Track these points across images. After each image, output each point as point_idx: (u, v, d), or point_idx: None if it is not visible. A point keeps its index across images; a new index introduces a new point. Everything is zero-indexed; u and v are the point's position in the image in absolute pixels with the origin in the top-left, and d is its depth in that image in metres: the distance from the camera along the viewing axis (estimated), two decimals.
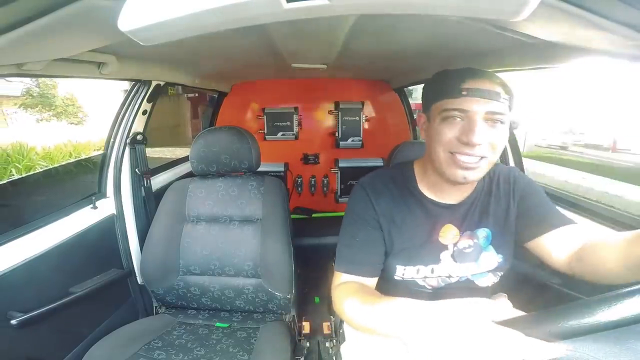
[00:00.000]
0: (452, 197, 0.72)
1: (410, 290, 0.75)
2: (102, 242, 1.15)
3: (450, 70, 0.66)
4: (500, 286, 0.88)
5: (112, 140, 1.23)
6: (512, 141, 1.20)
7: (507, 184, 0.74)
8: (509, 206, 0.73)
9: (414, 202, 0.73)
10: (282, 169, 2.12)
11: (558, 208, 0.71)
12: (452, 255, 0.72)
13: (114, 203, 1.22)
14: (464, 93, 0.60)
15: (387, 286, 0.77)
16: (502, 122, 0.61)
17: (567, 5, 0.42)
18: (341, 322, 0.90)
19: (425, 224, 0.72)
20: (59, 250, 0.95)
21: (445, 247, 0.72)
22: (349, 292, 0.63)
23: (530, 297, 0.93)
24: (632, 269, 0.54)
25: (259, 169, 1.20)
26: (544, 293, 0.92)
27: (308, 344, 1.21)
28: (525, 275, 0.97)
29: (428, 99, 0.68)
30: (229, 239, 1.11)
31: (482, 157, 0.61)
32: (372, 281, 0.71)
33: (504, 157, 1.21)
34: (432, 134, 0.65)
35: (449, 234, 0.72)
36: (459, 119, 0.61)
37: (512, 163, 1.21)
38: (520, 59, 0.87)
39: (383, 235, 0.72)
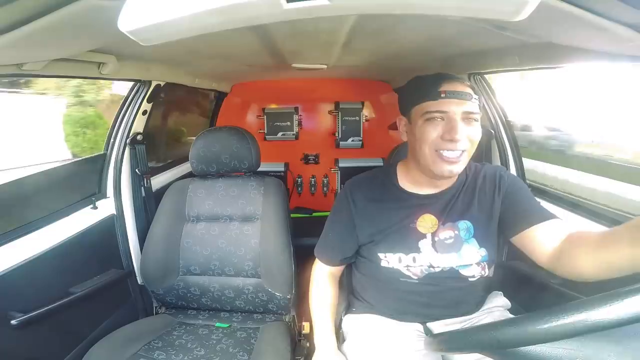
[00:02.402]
0: (433, 189, 0.79)
1: (398, 280, 0.77)
2: (102, 242, 1.15)
3: (424, 75, 0.73)
4: (500, 285, 0.88)
5: (112, 140, 1.23)
6: (513, 142, 1.20)
7: (493, 181, 0.78)
8: (493, 201, 0.77)
9: (390, 194, 0.80)
10: (282, 169, 2.12)
11: (547, 204, 0.76)
12: (433, 245, 0.76)
13: (114, 203, 1.22)
14: (442, 95, 0.67)
15: (377, 278, 0.81)
16: (476, 120, 0.69)
17: (567, 5, 0.42)
18: (341, 322, 0.90)
19: (400, 212, 0.78)
20: (59, 250, 0.95)
21: (423, 236, 0.76)
22: (318, 284, 0.89)
23: (530, 297, 0.93)
24: (600, 269, 0.56)
25: (259, 169, 1.20)
26: (543, 293, 0.92)
27: (308, 344, 1.21)
28: (525, 275, 0.97)
29: (407, 102, 0.75)
30: (229, 239, 1.11)
31: (462, 151, 0.68)
32: (338, 267, 0.90)
33: (504, 159, 1.21)
34: (416, 134, 0.72)
35: (427, 223, 0.77)
36: (439, 119, 0.68)
37: (512, 164, 1.21)
38: (520, 59, 0.87)
39: (355, 229, 0.81)
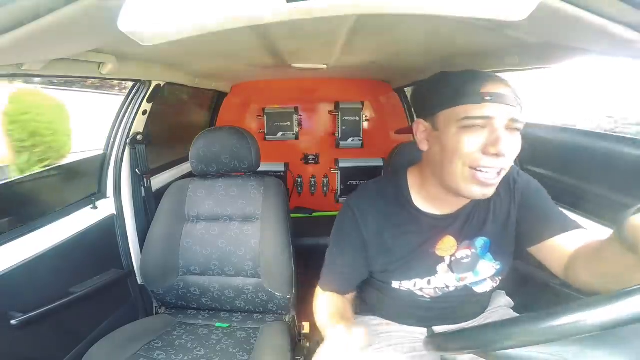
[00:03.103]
0: (447, 208, 0.69)
1: (410, 299, 0.74)
2: (102, 242, 1.15)
3: (460, 72, 0.60)
4: (502, 284, 0.87)
5: (112, 140, 1.23)
6: None
7: (507, 186, 0.69)
8: (509, 210, 0.69)
9: (406, 217, 0.69)
10: (282, 169, 2.12)
11: (563, 210, 0.68)
12: (450, 266, 0.70)
13: (114, 203, 1.22)
14: (487, 98, 0.54)
15: (387, 295, 0.76)
16: (518, 130, 0.57)
17: (567, 5, 0.42)
18: None
19: (418, 239, 0.69)
20: (59, 250, 0.95)
21: (442, 259, 0.70)
22: (323, 306, 0.72)
23: (531, 298, 0.93)
24: (595, 279, 0.53)
25: (259, 169, 1.20)
26: (544, 293, 0.92)
27: (308, 344, 1.21)
28: (526, 276, 0.97)
29: (434, 104, 0.61)
30: (229, 239, 1.11)
31: (501, 170, 0.57)
32: (347, 296, 0.78)
33: None
34: (445, 144, 0.58)
35: (446, 245, 0.69)
36: (480, 127, 0.55)
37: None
38: (520, 59, 0.87)
39: (367, 256, 0.72)
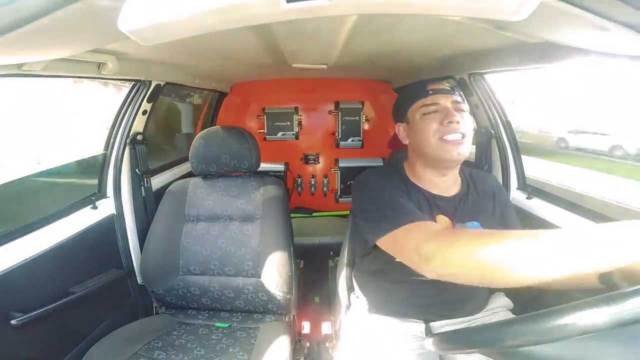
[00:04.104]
0: (444, 191, 0.81)
1: (409, 278, 0.75)
2: (102, 242, 1.15)
3: (413, 82, 0.88)
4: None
5: (112, 140, 1.23)
6: (513, 142, 1.20)
7: (491, 190, 0.84)
8: (494, 209, 0.82)
9: (416, 192, 0.80)
10: (282, 168, 2.12)
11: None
12: None
13: (114, 203, 1.22)
14: (430, 92, 0.77)
15: (386, 275, 0.80)
16: (465, 111, 0.77)
17: (567, 5, 0.42)
18: (341, 322, 0.90)
19: (427, 211, 0.77)
20: (59, 250, 0.95)
21: None
22: (471, 232, 0.55)
23: (531, 298, 0.93)
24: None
25: (259, 169, 1.20)
26: (544, 293, 0.92)
27: (308, 344, 1.21)
28: None
29: (402, 108, 0.83)
30: (229, 239, 1.11)
31: (463, 135, 0.74)
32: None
33: (504, 159, 1.21)
34: (417, 131, 0.78)
35: (441, 223, 0.77)
36: (434, 112, 0.76)
37: (512, 164, 1.20)
38: (520, 59, 0.87)
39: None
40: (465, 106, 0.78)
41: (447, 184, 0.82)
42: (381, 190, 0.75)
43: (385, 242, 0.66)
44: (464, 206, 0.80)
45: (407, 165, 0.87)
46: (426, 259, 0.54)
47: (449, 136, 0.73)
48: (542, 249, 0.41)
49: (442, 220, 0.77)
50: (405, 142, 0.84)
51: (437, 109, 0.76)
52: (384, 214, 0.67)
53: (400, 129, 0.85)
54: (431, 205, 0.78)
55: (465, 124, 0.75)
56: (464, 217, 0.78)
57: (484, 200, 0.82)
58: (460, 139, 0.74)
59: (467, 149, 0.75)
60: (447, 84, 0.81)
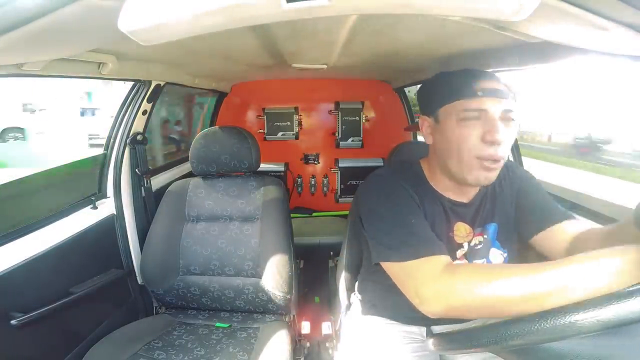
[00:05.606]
0: (463, 196, 0.72)
1: None
2: (102, 242, 1.15)
3: (456, 71, 0.66)
4: None
5: (112, 140, 1.23)
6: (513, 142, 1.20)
7: (507, 177, 0.75)
8: (512, 200, 0.74)
9: (433, 198, 0.71)
10: (282, 168, 2.12)
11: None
12: (466, 254, 0.71)
13: (114, 203, 1.22)
14: (479, 93, 0.60)
15: (385, 274, 0.70)
16: (514, 120, 0.62)
17: (567, 5, 0.42)
18: (341, 322, 0.90)
19: (443, 221, 0.70)
20: (59, 250, 0.95)
21: (460, 246, 0.72)
22: (471, 270, 0.50)
23: None
24: None
25: (259, 169, 1.20)
26: None
27: (308, 344, 1.21)
28: None
29: (434, 100, 0.66)
30: (229, 239, 1.11)
31: (500, 158, 0.61)
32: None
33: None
34: (448, 137, 0.63)
35: (462, 232, 0.72)
36: (476, 120, 0.60)
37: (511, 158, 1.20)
38: (520, 59, 0.87)
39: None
40: (515, 114, 0.62)
41: (470, 191, 0.72)
42: (393, 206, 0.65)
43: (388, 267, 0.62)
44: (484, 209, 0.73)
45: (426, 166, 0.75)
46: (427, 303, 0.52)
47: (486, 159, 0.60)
48: (550, 283, 0.40)
49: (462, 228, 0.71)
50: (429, 140, 0.70)
51: (480, 115, 0.60)
52: (391, 238, 0.62)
53: (425, 124, 0.70)
54: (448, 214, 0.71)
55: (508, 141, 0.61)
56: (483, 221, 0.72)
57: (499, 195, 0.74)
58: (497, 164, 0.61)
59: (496, 174, 0.63)
60: (502, 82, 0.64)
